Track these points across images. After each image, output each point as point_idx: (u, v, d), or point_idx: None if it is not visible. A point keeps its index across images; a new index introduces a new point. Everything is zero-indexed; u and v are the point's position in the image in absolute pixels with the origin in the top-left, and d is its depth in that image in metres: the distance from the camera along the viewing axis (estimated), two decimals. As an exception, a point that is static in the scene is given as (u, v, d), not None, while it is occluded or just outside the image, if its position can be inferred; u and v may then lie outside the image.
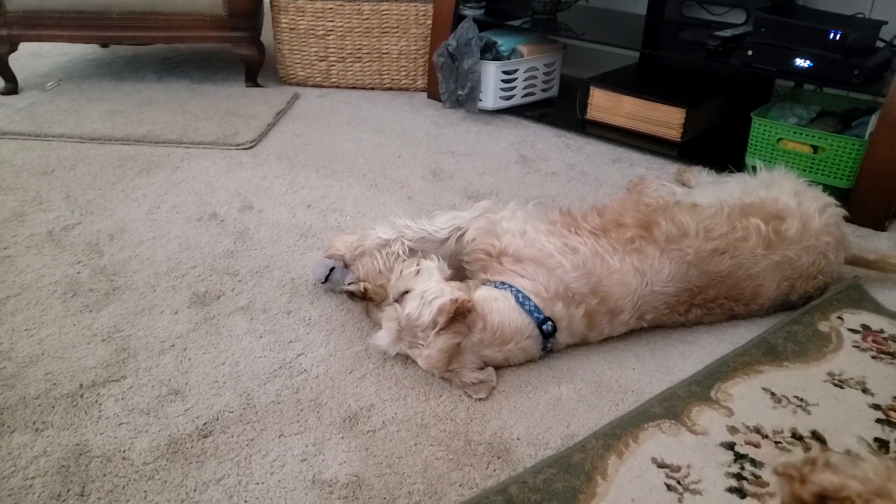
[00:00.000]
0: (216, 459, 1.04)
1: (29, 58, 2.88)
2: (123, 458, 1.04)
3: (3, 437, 1.07)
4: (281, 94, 2.59)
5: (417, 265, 1.29)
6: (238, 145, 2.14)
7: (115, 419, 1.11)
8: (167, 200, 1.81)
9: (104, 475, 1.01)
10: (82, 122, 2.25)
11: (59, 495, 0.97)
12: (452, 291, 1.21)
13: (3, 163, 1.99)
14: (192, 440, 1.07)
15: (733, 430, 1.11)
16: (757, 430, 1.11)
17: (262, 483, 1.00)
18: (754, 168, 1.57)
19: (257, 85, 2.67)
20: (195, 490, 0.99)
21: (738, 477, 1.02)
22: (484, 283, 1.29)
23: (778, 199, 1.41)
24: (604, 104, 2.31)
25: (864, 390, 1.20)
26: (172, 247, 1.60)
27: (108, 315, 1.36)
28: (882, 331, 1.35)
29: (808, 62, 1.81)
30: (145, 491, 0.99)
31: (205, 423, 1.11)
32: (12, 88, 2.53)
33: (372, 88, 2.71)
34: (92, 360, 1.24)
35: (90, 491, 0.98)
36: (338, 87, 2.71)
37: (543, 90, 2.55)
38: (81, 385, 1.18)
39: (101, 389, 1.17)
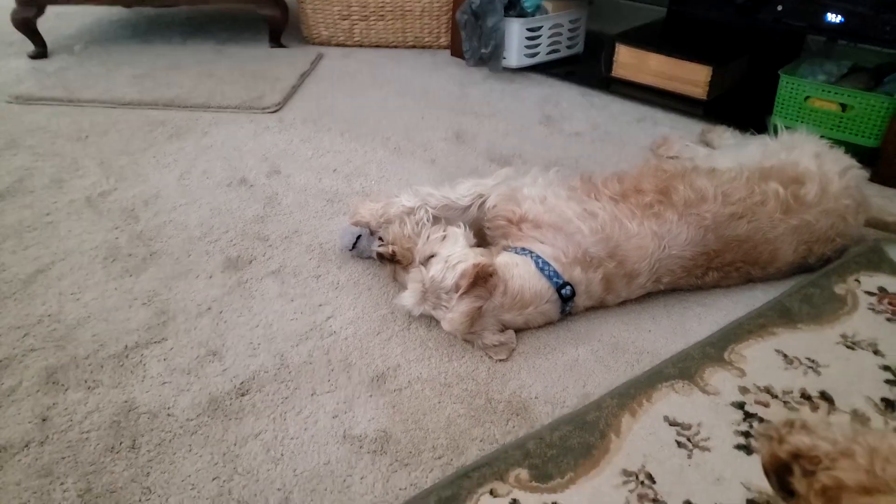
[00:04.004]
0: (253, 416, 1.12)
1: (56, 20, 2.91)
2: (168, 415, 1.12)
3: (59, 394, 1.16)
4: (305, 54, 2.60)
5: (444, 231, 1.34)
6: (264, 108, 2.18)
7: (159, 378, 1.19)
8: (197, 166, 1.86)
9: (152, 430, 1.09)
10: (112, 87, 2.30)
11: (112, 448, 1.06)
12: (475, 256, 1.26)
13: (40, 129, 2.05)
14: (231, 398, 1.15)
15: (744, 390, 1.15)
16: (767, 391, 1.15)
17: (297, 438, 1.08)
18: (776, 128, 1.56)
19: (281, 45, 2.68)
20: (235, 444, 1.07)
21: (746, 435, 1.07)
22: (505, 248, 1.33)
23: (798, 162, 1.41)
24: (629, 62, 2.28)
25: (876, 352, 1.22)
26: (204, 212, 1.66)
27: (146, 279, 1.43)
28: (899, 293, 1.37)
29: (839, 17, 1.78)
30: (190, 445, 1.07)
31: (242, 383, 1.18)
32: (42, 52, 2.57)
33: (395, 47, 2.70)
34: (134, 322, 1.31)
35: (140, 444, 1.07)
36: (361, 45, 2.71)
37: (568, 47, 2.52)
38: (126, 346, 1.26)
39: (145, 350, 1.25)
